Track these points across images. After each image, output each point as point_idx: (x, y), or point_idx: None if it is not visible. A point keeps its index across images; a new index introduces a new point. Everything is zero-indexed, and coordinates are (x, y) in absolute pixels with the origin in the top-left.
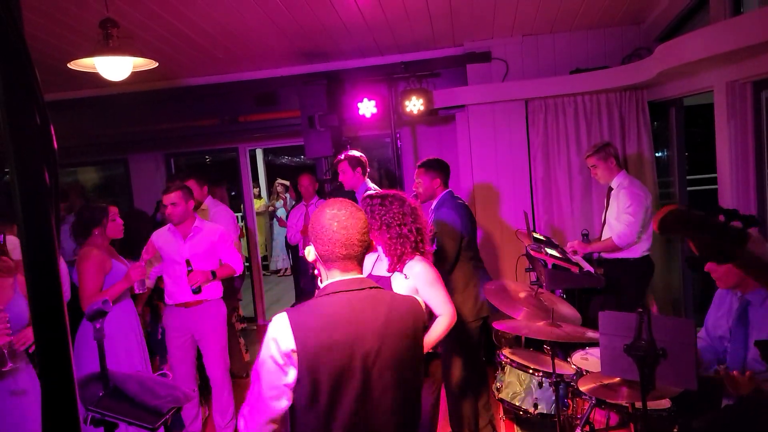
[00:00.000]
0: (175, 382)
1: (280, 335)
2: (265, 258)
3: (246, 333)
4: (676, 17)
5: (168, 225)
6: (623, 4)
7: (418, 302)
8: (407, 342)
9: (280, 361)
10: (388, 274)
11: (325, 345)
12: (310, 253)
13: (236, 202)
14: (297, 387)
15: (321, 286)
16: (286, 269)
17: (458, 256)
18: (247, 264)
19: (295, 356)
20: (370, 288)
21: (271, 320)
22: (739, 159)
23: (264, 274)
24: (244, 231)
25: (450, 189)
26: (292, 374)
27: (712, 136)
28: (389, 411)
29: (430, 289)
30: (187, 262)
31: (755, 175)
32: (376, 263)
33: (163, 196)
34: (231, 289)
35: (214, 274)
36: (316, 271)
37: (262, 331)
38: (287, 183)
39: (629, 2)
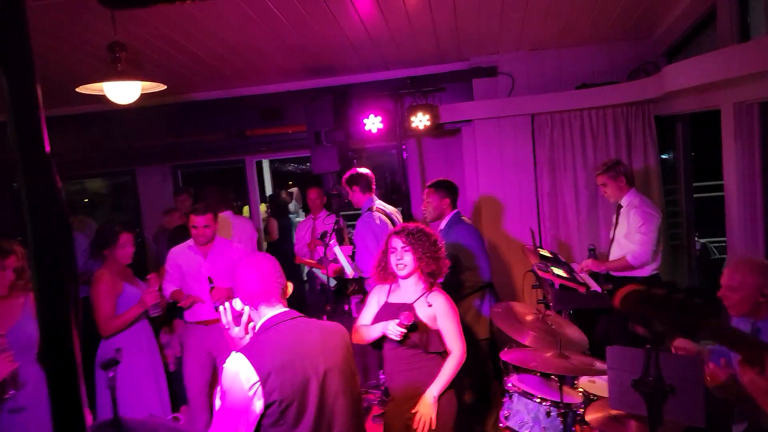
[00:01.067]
0: (187, 426)
1: (242, 372)
2: None
3: None
4: (683, 33)
5: (187, 243)
6: (631, 20)
7: (339, 324)
8: (343, 353)
9: (248, 395)
10: (409, 301)
11: (281, 366)
12: (237, 303)
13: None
14: (265, 411)
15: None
16: None
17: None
18: None
19: (259, 388)
20: (298, 317)
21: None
22: (746, 178)
23: None
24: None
25: (458, 209)
26: (258, 405)
27: (718, 141)
28: (346, 415)
29: (447, 321)
30: (209, 280)
31: (762, 194)
32: (390, 293)
33: (191, 217)
34: None
35: None
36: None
37: None
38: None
39: (637, 17)
